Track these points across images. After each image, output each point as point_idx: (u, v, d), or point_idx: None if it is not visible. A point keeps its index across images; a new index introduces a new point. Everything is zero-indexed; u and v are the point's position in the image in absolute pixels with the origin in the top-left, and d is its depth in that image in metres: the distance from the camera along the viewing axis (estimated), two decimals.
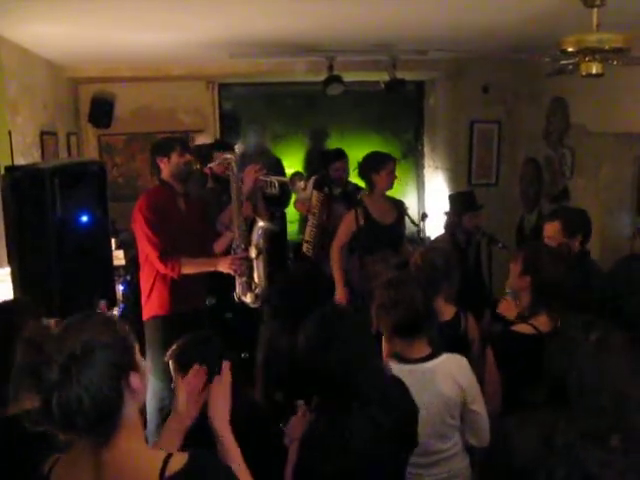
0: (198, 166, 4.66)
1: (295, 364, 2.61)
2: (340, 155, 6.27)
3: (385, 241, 5.18)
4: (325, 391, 2.52)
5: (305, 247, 6.13)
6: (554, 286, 3.23)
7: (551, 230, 4.08)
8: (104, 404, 1.65)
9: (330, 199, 6.04)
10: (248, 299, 4.47)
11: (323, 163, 6.31)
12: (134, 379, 1.71)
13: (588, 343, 2.18)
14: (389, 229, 5.26)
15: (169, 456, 1.70)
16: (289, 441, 2.64)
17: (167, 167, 4.47)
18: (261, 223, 4.44)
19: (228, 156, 4.60)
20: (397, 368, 2.85)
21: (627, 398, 2.12)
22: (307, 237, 6.11)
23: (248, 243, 4.46)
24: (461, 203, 5.84)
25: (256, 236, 4.44)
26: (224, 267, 4.39)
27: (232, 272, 4.39)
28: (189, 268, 4.34)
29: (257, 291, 4.46)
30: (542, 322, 3.15)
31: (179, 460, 1.69)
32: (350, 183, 6.26)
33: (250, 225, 4.59)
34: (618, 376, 2.14)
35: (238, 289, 4.46)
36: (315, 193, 6.02)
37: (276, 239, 5.77)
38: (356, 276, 5.26)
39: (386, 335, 3.04)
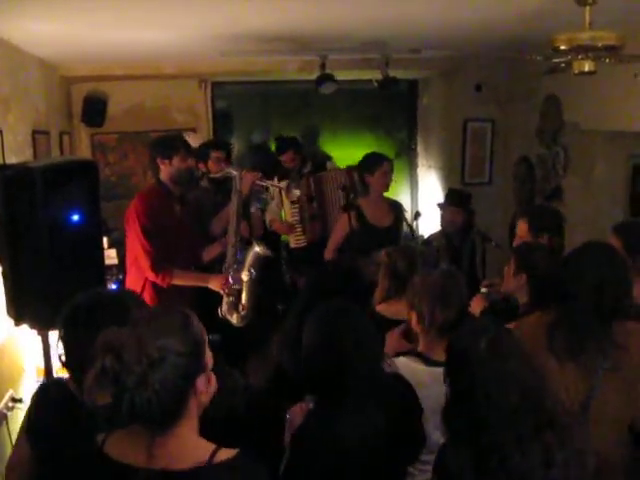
0: (200, 173, 4.61)
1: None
2: (284, 147, 6.20)
3: (381, 244, 5.14)
4: (321, 386, 2.53)
5: (294, 241, 6.08)
6: (550, 279, 3.26)
7: (519, 229, 4.12)
8: (170, 405, 1.77)
9: (307, 175, 6.04)
10: (233, 319, 4.45)
11: (277, 153, 6.29)
12: (200, 382, 1.83)
13: (480, 351, 2.17)
14: (385, 232, 5.24)
15: (218, 447, 1.83)
16: (290, 432, 2.65)
17: (167, 169, 4.42)
18: (257, 248, 4.40)
19: (234, 172, 4.55)
20: (422, 370, 2.86)
21: (538, 392, 2.12)
22: (292, 221, 6.08)
23: (240, 265, 4.42)
24: (447, 197, 5.91)
25: (250, 260, 4.41)
26: (215, 285, 4.38)
27: (222, 292, 4.38)
28: (180, 280, 4.33)
29: (243, 313, 4.45)
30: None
31: (227, 453, 1.82)
32: (320, 157, 6.25)
33: (246, 243, 4.56)
34: (521, 374, 2.13)
35: (224, 307, 4.44)
36: (283, 183, 5.93)
37: (271, 240, 5.76)
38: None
39: (425, 335, 3.04)
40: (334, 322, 2.54)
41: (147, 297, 4.32)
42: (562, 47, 3.16)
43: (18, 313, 3.22)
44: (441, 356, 3.01)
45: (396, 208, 5.42)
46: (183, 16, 4.03)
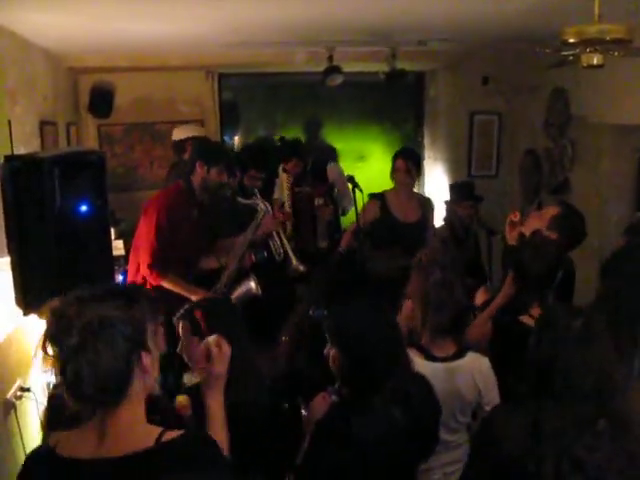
0: (229, 193, 4.62)
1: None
2: (288, 153, 6.14)
3: (403, 239, 5.11)
4: (352, 382, 2.54)
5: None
6: (535, 278, 3.27)
7: (548, 209, 4.09)
8: (114, 375, 1.79)
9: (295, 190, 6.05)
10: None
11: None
12: (145, 359, 1.85)
13: (573, 329, 2.22)
14: (409, 228, 5.22)
15: (165, 430, 1.86)
16: (308, 423, 2.67)
17: (202, 175, 4.46)
18: (252, 284, 4.41)
19: (261, 206, 4.59)
20: (421, 364, 2.88)
21: (611, 382, 2.14)
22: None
23: (230, 291, 4.44)
24: (457, 192, 5.89)
25: (241, 291, 4.41)
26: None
27: None
28: (169, 284, 4.36)
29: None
30: (537, 312, 3.19)
31: (174, 432, 1.86)
32: (320, 160, 6.24)
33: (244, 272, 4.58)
34: (602, 360, 2.18)
35: None
36: (283, 175, 6.02)
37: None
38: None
39: (422, 331, 3.07)
40: (378, 320, 2.60)
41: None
42: (570, 40, 3.15)
43: (26, 303, 3.23)
44: (441, 352, 3.05)
45: (424, 204, 5.41)
46: (189, 7, 4.02)
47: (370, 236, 5.15)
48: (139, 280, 4.41)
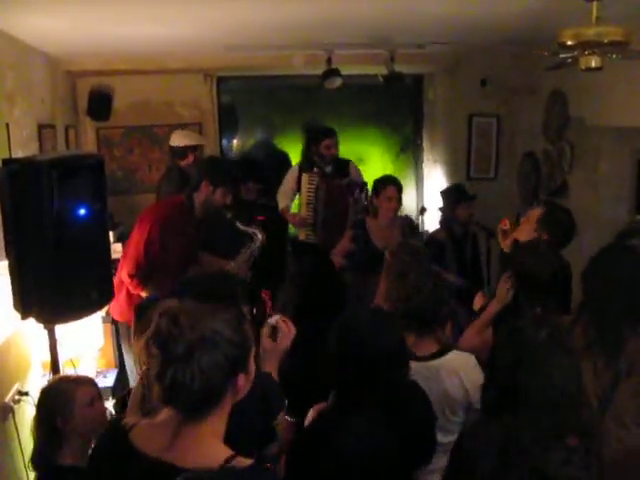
0: (230, 216, 4.61)
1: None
2: (330, 132, 6.11)
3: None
4: (343, 387, 2.53)
5: (304, 234, 6.04)
6: (538, 282, 3.27)
7: (532, 214, 4.08)
8: (210, 391, 1.81)
9: (324, 176, 5.97)
10: None
11: (313, 141, 6.11)
12: (241, 379, 1.87)
13: (538, 340, 2.20)
14: None
15: (234, 455, 1.82)
16: (289, 430, 2.68)
17: (206, 194, 4.44)
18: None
19: (258, 235, 4.63)
20: None
21: (577, 394, 2.14)
22: (305, 217, 6.02)
23: None
24: (453, 195, 5.89)
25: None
26: None
27: None
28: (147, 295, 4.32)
29: None
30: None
31: (242, 462, 1.81)
32: (340, 159, 6.19)
33: None
34: (567, 372, 2.15)
35: None
36: (305, 176, 5.94)
37: (276, 234, 5.76)
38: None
39: None
40: (369, 328, 2.56)
41: (124, 293, 4.41)
42: (569, 42, 3.15)
43: (25, 307, 3.22)
44: (421, 351, 3.03)
45: (405, 229, 5.34)
46: (187, 10, 4.02)
47: (352, 264, 5.06)
48: (117, 283, 4.37)
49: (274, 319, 2.67)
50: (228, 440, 1.92)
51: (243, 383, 1.88)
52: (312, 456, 2.38)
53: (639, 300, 2.74)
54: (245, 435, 2.26)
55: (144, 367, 1.96)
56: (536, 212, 4.03)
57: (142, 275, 4.28)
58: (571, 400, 2.12)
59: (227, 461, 1.79)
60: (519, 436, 2.06)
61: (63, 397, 2.92)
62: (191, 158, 5.95)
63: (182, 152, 6.00)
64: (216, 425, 1.87)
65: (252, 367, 1.93)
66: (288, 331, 2.64)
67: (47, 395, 2.98)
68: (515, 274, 3.41)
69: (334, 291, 3.51)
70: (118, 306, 4.44)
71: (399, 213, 5.53)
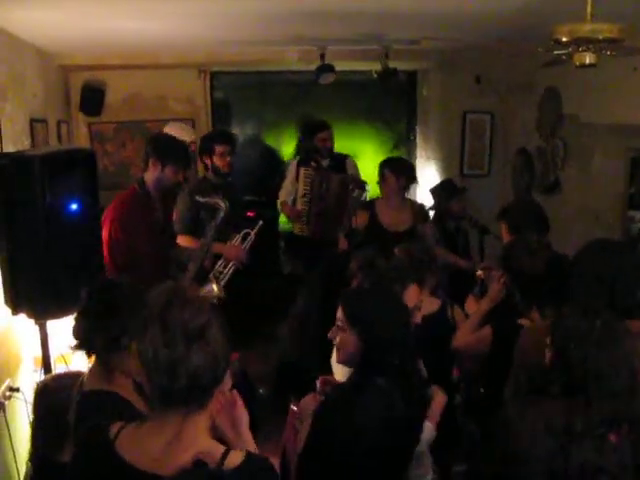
0: (186, 192, 4.52)
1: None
2: (325, 125, 6.19)
3: (390, 249, 5.09)
4: (364, 365, 2.57)
5: (298, 228, 6.04)
6: (533, 281, 3.27)
7: (501, 230, 4.14)
8: (214, 371, 1.76)
9: (320, 170, 5.98)
10: None
11: (308, 134, 6.19)
12: (227, 376, 1.85)
13: (596, 330, 2.24)
14: (397, 237, 5.18)
15: (228, 451, 1.78)
16: (299, 420, 2.68)
17: (155, 173, 4.28)
18: (214, 286, 4.41)
19: (221, 205, 4.47)
20: None
21: (633, 380, 2.19)
22: (300, 210, 6.03)
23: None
24: (445, 191, 5.91)
25: (205, 292, 4.38)
26: None
27: None
28: None
29: None
30: (536, 317, 3.19)
31: (236, 456, 1.77)
32: (338, 154, 6.23)
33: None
34: (630, 358, 2.22)
35: None
36: (302, 170, 5.96)
37: (267, 229, 5.75)
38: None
39: None
40: (394, 304, 2.66)
41: None
42: (563, 39, 3.14)
43: (15, 303, 3.21)
44: None
45: (417, 214, 5.38)
46: (182, 4, 4.00)
47: (359, 244, 5.12)
48: None
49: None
50: None
51: (228, 380, 1.88)
52: (330, 429, 2.42)
53: (620, 295, 2.75)
54: None
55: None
56: (502, 228, 4.08)
57: (113, 274, 4.08)
58: (635, 385, 2.18)
59: (223, 455, 1.76)
60: (576, 421, 2.12)
61: (67, 391, 2.88)
62: None
63: None
64: (205, 422, 1.83)
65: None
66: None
67: (46, 393, 2.93)
68: (510, 273, 3.41)
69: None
70: None
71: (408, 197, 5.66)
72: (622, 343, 2.23)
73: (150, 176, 4.30)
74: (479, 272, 3.92)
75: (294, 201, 6.10)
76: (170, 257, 4.45)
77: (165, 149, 4.32)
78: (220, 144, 5.14)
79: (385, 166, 5.41)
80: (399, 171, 5.35)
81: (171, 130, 6.01)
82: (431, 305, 3.74)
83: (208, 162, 5.16)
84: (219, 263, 4.85)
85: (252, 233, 4.94)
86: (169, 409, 1.77)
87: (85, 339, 2.47)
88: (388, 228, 5.24)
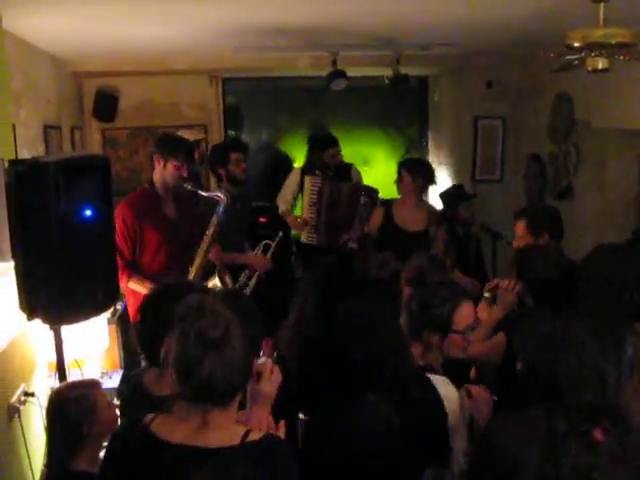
0: (189, 187, 4.49)
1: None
2: (333, 141, 6.16)
3: (404, 248, 5.11)
4: (347, 377, 2.53)
5: (305, 236, 6.03)
6: (548, 287, 3.25)
7: (518, 229, 4.13)
8: (244, 372, 1.96)
9: (328, 178, 5.97)
10: None
11: (317, 150, 6.13)
12: (255, 365, 2.08)
13: (557, 333, 2.25)
14: (411, 237, 5.21)
15: (249, 430, 1.99)
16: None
17: (159, 170, 4.35)
18: (217, 283, 4.44)
19: (222, 197, 4.45)
20: None
21: (607, 378, 2.21)
22: (307, 219, 6.02)
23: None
24: (453, 196, 5.92)
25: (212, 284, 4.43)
26: None
27: None
28: (135, 286, 4.31)
29: None
30: None
31: (256, 434, 1.99)
32: (342, 163, 6.23)
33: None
34: (594, 357, 2.21)
35: None
36: (308, 178, 5.95)
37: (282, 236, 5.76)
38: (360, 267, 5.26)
39: None
40: (374, 319, 2.58)
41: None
42: (575, 44, 3.15)
43: (30, 308, 3.22)
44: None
45: (431, 217, 5.40)
46: (195, 12, 4.03)
47: (374, 242, 5.17)
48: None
49: (259, 361, 2.44)
50: None
51: (255, 369, 2.05)
52: (321, 441, 2.41)
53: (628, 298, 2.74)
54: None
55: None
56: (520, 224, 4.08)
57: (123, 270, 4.17)
58: (606, 381, 2.19)
59: (245, 436, 1.95)
60: (557, 423, 2.11)
61: (86, 404, 2.88)
62: (195, 155, 5.90)
63: None
64: (235, 406, 2.02)
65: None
66: (270, 378, 2.38)
67: (65, 405, 2.91)
68: (525, 278, 3.38)
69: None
70: (133, 309, 4.44)
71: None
72: (584, 342, 2.22)
73: (156, 175, 4.38)
74: (486, 294, 3.89)
75: (301, 209, 6.10)
76: (184, 255, 4.43)
77: (165, 144, 4.42)
78: (235, 151, 5.16)
79: (402, 166, 5.45)
80: (415, 171, 5.37)
81: (185, 135, 6.05)
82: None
83: (222, 172, 5.15)
84: (244, 273, 4.89)
85: (273, 245, 4.97)
86: (190, 404, 1.95)
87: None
88: (403, 228, 5.28)
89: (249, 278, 4.91)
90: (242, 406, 2.27)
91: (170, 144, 4.42)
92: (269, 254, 5.05)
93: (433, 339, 2.97)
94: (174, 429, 1.98)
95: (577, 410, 2.12)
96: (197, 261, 4.39)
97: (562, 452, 2.06)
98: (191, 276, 4.33)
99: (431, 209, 5.58)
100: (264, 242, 5.07)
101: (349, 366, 2.51)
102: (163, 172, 4.34)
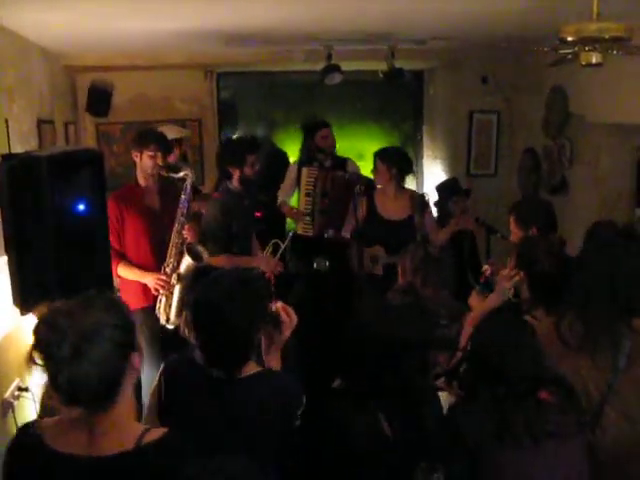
0: (163, 172, 4.53)
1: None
2: (323, 123, 6.17)
3: (390, 237, 5.15)
4: (353, 379, 2.56)
5: (301, 228, 6.02)
6: (548, 280, 3.25)
7: (510, 223, 4.15)
8: (108, 380, 1.86)
9: (324, 169, 5.98)
10: (162, 318, 4.46)
11: (308, 134, 6.15)
12: (134, 358, 1.93)
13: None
14: (393, 225, 5.23)
15: (148, 429, 1.95)
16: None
17: (139, 164, 4.57)
18: (189, 259, 4.37)
19: (189, 173, 4.51)
20: None
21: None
22: (303, 210, 6.03)
23: (177, 266, 4.44)
24: (445, 189, 5.93)
25: (183, 266, 4.41)
26: (149, 283, 4.45)
27: (153, 290, 4.44)
28: (124, 273, 4.50)
29: (171, 315, 4.46)
30: (540, 314, 3.18)
31: (155, 433, 1.94)
32: (338, 157, 6.23)
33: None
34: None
35: (159, 304, 4.47)
36: (305, 170, 5.95)
37: (274, 229, 5.76)
38: (355, 263, 5.28)
39: None
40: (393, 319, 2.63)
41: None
42: (569, 38, 3.14)
43: (24, 303, 3.22)
44: None
45: (415, 203, 5.37)
46: (188, 6, 4.02)
47: (361, 234, 5.20)
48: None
49: (274, 306, 2.58)
50: (250, 448, 2.08)
51: (137, 359, 1.94)
52: (321, 441, 2.42)
53: (622, 292, 2.74)
54: (265, 440, 2.35)
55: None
56: (512, 216, 4.11)
57: (113, 257, 4.23)
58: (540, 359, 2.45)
59: (140, 438, 1.89)
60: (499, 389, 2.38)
61: None
62: (176, 152, 5.81)
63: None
64: (124, 408, 1.94)
65: (141, 344, 2.00)
66: (289, 320, 2.56)
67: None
68: (526, 270, 3.37)
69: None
70: (133, 293, 4.52)
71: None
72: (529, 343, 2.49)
73: (138, 169, 4.62)
74: (486, 267, 3.91)
75: (298, 201, 6.10)
76: (165, 242, 4.52)
77: (138, 139, 4.64)
78: (252, 153, 4.94)
79: (377, 156, 5.46)
80: (388, 160, 5.37)
81: (167, 131, 6.03)
82: None
83: (237, 173, 4.91)
84: None
85: (282, 246, 4.92)
86: (78, 411, 1.89)
87: None
88: (386, 217, 5.29)
89: None
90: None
91: (141, 137, 4.64)
92: (278, 255, 4.93)
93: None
94: (67, 437, 1.92)
95: (521, 382, 2.36)
96: (172, 240, 4.46)
97: (514, 416, 2.30)
98: (168, 255, 4.43)
99: (413, 194, 5.55)
100: (273, 241, 4.94)
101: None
102: (141, 165, 4.57)
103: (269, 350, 2.56)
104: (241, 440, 2.31)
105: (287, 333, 2.55)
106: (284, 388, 2.45)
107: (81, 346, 1.80)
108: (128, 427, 1.95)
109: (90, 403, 1.86)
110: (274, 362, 2.56)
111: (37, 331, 1.85)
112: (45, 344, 1.82)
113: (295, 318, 2.57)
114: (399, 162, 5.45)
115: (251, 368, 2.42)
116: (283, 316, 2.54)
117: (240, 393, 2.37)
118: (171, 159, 5.79)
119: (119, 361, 1.88)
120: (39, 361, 1.83)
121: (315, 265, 5.04)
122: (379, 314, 2.68)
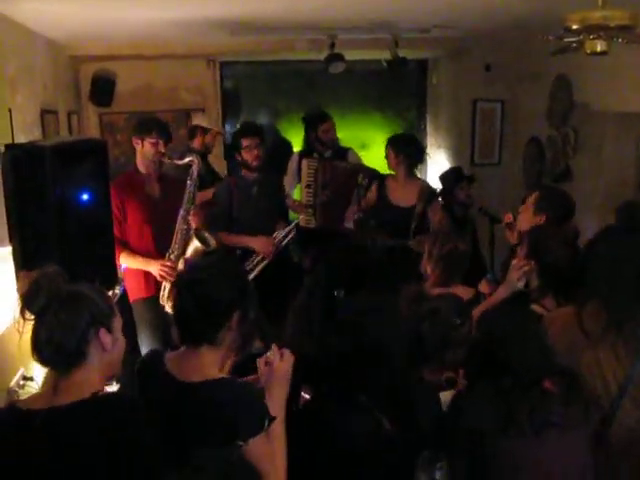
0: (167, 160, 4.51)
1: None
2: (326, 116, 6.16)
3: (394, 223, 5.18)
4: (338, 376, 2.48)
5: (304, 220, 6.02)
6: (558, 270, 3.24)
7: (528, 200, 4.08)
8: (69, 342, 2.02)
9: (324, 159, 5.99)
10: (166, 305, 4.43)
11: (310, 127, 6.16)
12: (104, 336, 2.07)
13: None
14: (399, 211, 5.26)
15: (97, 393, 2.07)
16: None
17: (139, 151, 4.50)
18: (197, 243, 4.38)
19: (195, 160, 4.46)
20: None
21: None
22: (304, 202, 6.02)
23: (182, 252, 4.42)
24: (450, 177, 5.94)
25: (190, 252, 4.40)
26: (154, 270, 4.42)
27: (158, 277, 4.41)
28: (126, 261, 4.47)
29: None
30: (549, 303, 3.18)
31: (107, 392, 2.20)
32: (340, 147, 6.22)
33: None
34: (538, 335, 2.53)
35: (164, 293, 4.46)
36: (305, 161, 5.95)
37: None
38: None
39: None
40: (368, 319, 2.53)
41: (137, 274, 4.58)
42: (574, 26, 3.12)
43: None
44: None
45: (422, 193, 5.40)
46: None
47: (368, 218, 5.25)
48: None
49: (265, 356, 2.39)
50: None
51: (108, 340, 2.08)
52: (312, 440, 2.39)
53: (636, 283, 2.71)
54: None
55: None
56: (532, 197, 4.03)
57: (118, 243, 4.30)
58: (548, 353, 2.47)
59: (93, 395, 2.03)
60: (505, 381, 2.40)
61: None
62: (199, 140, 5.91)
63: (192, 131, 6.00)
64: (89, 376, 2.07)
65: (118, 331, 2.15)
66: (281, 359, 2.34)
67: None
68: (539, 259, 3.34)
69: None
70: (135, 283, 4.55)
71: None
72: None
73: (138, 157, 4.54)
74: (508, 214, 3.95)
75: (300, 193, 6.11)
76: (167, 229, 4.49)
77: (139, 126, 4.56)
78: (245, 137, 5.04)
79: (388, 143, 5.49)
80: (398, 148, 5.41)
81: (197, 118, 6.10)
82: (466, 294, 3.68)
83: (239, 158, 5.08)
84: (253, 257, 4.88)
85: (283, 233, 4.99)
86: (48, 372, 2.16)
87: None
88: (395, 203, 5.33)
89: (256, 262, 4.88)
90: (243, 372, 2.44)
91: (143, 124, 4.57)
92: (282, 239, 5.00)
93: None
94: (36, 399, 2.14)
95: (527, 373, 2.38)
96: (178, 226, 4.44)
97: (519, 405, 2.32)
98: (173, 241, 4.41)
99: (423, 185, 5.57)
100: (293, 224, 5.15)
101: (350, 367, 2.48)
102: (143, 152, 4.49)
103: (265, 384, 2.35)
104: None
105: (282, 382, 2.34)
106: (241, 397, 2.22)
107: (52, 302, 2.00)
108: (88, 391, 2.05)
109: (51, 359, 2.05)
110: (271, 398, 2.29)
111: (24, 286, 2.07)
112: (23, 297, 2.05)
113: (290, 356, 2.36)
114: (407, 149, 5.46)
115: (214, 373, 2.27)
116: (274, 360, 2.34)
117: (200, 397, 2.22)
118: (192, 143, 5.86)
119: (86, 330, 2.03)
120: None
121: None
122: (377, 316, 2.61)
